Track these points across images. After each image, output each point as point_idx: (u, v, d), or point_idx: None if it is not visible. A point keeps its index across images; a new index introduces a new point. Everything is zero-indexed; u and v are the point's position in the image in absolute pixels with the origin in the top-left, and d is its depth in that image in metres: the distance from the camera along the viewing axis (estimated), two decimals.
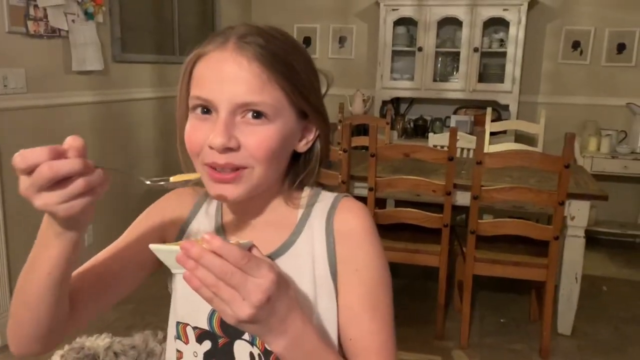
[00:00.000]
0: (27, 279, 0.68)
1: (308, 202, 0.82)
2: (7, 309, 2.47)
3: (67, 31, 2.72)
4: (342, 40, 4.68)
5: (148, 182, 0.69)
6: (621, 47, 4.10)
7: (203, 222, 0.85)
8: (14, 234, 2.49)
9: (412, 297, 3.11)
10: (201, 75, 0.73)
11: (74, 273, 0.75)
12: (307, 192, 0.83)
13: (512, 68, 4.08)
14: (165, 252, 0.62)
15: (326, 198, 0.82)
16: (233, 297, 0.57)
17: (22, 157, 0.55)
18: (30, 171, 0.55)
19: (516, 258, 2.52)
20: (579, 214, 2.52)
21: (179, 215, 0.86)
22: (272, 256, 0.78)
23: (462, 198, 2.58)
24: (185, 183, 0.72)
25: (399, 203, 3.03)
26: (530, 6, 4.04)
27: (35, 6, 2.53)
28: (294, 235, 0.79)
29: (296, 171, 0.81)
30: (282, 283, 0.61)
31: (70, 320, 0.74)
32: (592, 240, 3.38)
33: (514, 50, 4.05)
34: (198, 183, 0.76)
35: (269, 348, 0.64)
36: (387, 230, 2.69)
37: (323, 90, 0.82)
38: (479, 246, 2.50)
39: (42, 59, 2.62)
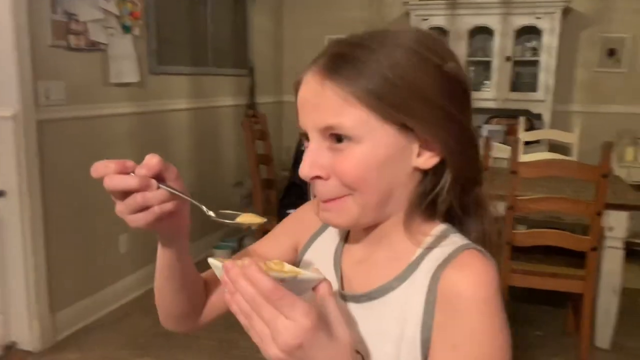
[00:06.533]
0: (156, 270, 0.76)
1: (432, 243, 0.67)
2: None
3: (106, 44, 2.81)
4: None
5: (212, 215, 0.65)
6: None
7: (327, 239, 0.79)
8: (53, 239, 2.57)
9: None
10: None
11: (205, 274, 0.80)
12: (439, 228, 0.69)
13: (545, 77, 4.03)
14: (216, 267, 0.58)
15: (450, 244, 0.66)
16: (264, 333, 0.53)
17: (93, 168, 0.60)
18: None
19: (553, 269, 2.47)
20: (617, 224, 2.47)
21: (314, 225, 0.82)
22: (364, 297, 0.69)
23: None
24: (249, 226, 0.67)
25: None
26: (564, 14, 3.99)
27: (77, 21, 2.62)
28: (397, 280, 0.67)
29: (422, 193, 0.67)
30: (322, 331, 0.53)
31: (197, 312, 0.80)
32: (632, 252, 3.29)
33: (547, 59, 4.00)
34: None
35: None
36: None
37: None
38: (514, 257, 2.46)
39: (82, 72, 2.70)
